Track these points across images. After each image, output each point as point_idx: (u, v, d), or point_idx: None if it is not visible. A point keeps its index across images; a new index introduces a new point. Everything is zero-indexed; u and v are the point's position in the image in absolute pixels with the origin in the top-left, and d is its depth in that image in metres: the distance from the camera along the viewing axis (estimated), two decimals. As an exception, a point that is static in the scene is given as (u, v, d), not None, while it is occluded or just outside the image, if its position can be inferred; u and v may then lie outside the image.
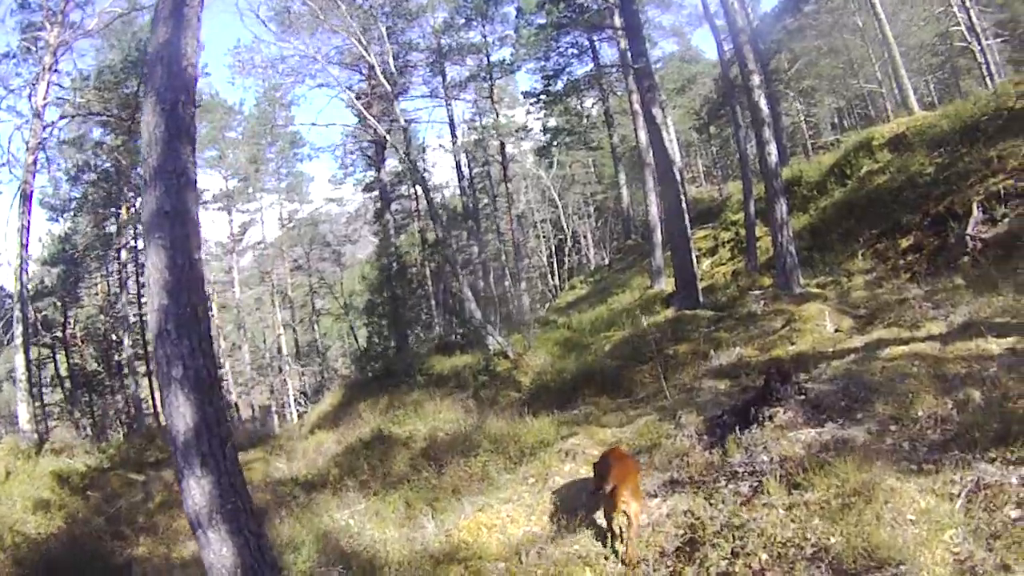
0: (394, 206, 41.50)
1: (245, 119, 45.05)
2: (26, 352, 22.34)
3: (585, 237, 54.98)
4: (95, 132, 33.44)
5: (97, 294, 39.77)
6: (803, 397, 9.76)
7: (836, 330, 14.00)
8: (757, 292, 19.12)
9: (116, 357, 39.46)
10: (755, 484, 8.16)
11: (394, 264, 27.06)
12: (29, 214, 22.69)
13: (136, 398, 38.88)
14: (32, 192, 23.18)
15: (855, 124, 45.97)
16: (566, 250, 52.47)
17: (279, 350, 43.66)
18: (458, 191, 40.60)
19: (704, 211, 36.36)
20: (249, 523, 6.84)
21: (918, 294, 14.31)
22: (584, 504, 9.17)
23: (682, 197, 20.90)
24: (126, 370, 38.96)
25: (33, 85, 23.35)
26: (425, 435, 15.50)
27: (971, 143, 19.63)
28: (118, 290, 39.50)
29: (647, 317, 19.61)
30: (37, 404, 37.26)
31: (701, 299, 19.85)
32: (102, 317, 38.67)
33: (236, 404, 44.54)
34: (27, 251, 22.96)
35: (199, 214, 7.55)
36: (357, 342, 37.15)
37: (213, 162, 44.31)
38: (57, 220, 36.23)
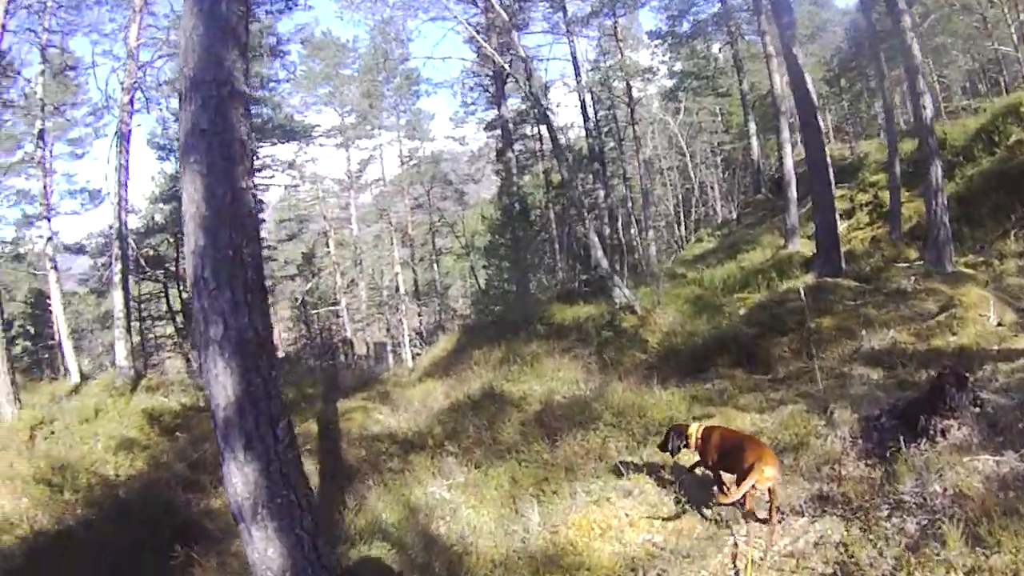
0: (517, 146, 40.83)
1: (360, 56, 44.20)
2: (125, 289, 22.17)
3: (712, 188, 52.67)
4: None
5: None
6: (978, 409, 8.50)
7: (999, 324, 12.67)
8: (903, 265, 17.91)
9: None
10: (926, 524, 6.99)
11: (516, 205, 25.84)
12: (127, 154, 22.41)
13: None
14: (130, 132, 22.73)
15: (988, 90, 42.73)
16: (693, 201, 50.48)
17: (397, 288, 42.97)
18: (583, 132, 38.60)
19: (838, 170, 33.20)
20: (304, 520, 5.98)
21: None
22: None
23: (826, 149, 19.29)
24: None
25: (126, 28, 23.00)
26: (541, 397, 14.76)
27: None
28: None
29: (784, 281, 18.31)
30: (142, 339, 38.28)
31: (843, 266, 18.36)
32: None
33: (351, 341, 44.66)
34: (126, 190, 22.59)
35: (249, 134, 6.42)
36: (478, 283, 36.27)
37: (327, 99, 43.65)
38: (167, 159, 35.89)
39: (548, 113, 22.88)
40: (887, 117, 23.28)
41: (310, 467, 12.65)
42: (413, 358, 33.96)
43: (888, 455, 8.35)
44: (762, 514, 8.04)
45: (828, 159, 18.84)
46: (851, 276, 17.62)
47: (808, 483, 8.58)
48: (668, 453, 9.25)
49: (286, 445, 5.96)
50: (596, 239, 21.25)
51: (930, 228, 16.77)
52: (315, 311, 47.97)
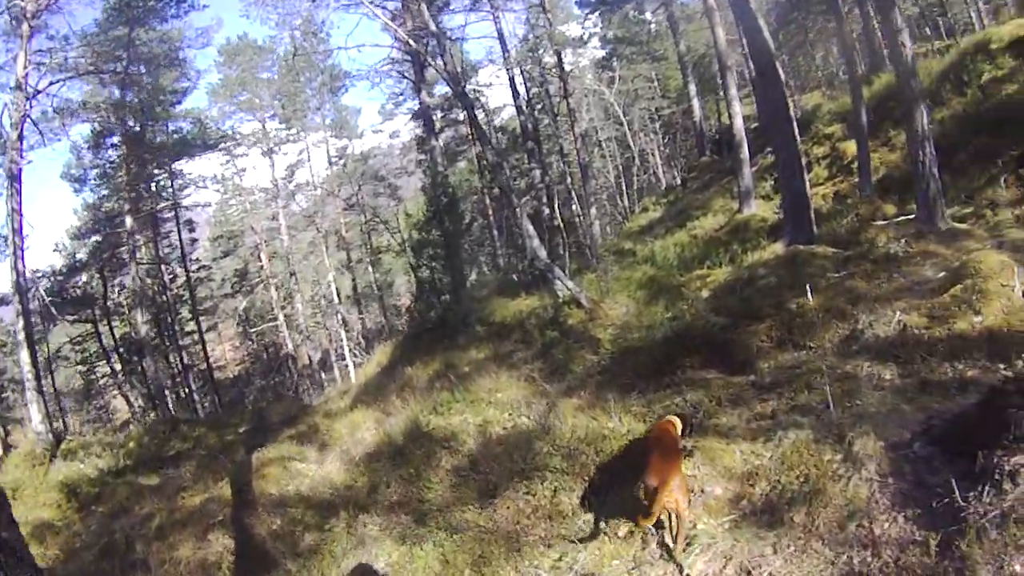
0: (449, 132, 40.10)
1: (278, 58, 41.44)
2: (30, 347, 19.55)
3: (652, 155, 50.62)
4: (98, 93, 30.69)
5: (142, 258, 36.59)
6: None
7: (1024, 293, 9.92)
8: (882, 223, 15.19)
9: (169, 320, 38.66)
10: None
11: (443, 196, 23.04)
12: (20, 195, 20.09)
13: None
14: (20, 171, 20.21)
15: (931, 35, 40.94)
16: (634, 170, 48.18)
17: (333, 297, 40.38)
18: (515, 110, 35.91)
19: None
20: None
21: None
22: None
23: (788, 100, 16.45)
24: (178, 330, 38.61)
25: (14, 58, 20.61)
26: (476, 430, 12.18)
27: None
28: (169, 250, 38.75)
29: (749, 253, 15.68)
30: (85, 382, 35.58)
31: (815, 231, 15.54)
32: (148, 281, 36.43)
33: (293, 356, 42.06)
34: (22, 237, 20.18)
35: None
36: (415, 285, 33.81)
37: (247, 105, 41.12)
38: (81, 191, 34.31)
39: (467, 91, 19.89)
40: (847, 60, 20.83)
41: (219, 548, 11.42)
42: (355, 368, 31.84)
43: (936, 505, 5.80)
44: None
45: (791, 111, 16.01)
46: (826, 242, 14.86)
47: (831, 551, 6.06)
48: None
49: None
50: (530, 227, 18.26)
51: (917, 182, 14.16)
52: (254, 328, 45.49)
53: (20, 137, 20.13)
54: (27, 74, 20.21)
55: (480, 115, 44.10)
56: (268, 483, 13.57)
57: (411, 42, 21.66)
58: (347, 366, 36.37)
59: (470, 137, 37.78)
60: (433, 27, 20.58)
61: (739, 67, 23.42)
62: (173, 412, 31.68)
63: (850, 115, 21.39)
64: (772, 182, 24.33)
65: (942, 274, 11.28)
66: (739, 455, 8.13)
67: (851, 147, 21.96)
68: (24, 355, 19.20)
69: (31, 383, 19.10)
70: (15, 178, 19.83)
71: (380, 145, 46.56)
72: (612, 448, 9.52)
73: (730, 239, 19.61)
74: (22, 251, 20.22)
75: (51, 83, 21.74)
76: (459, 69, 36.01)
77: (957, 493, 5.65)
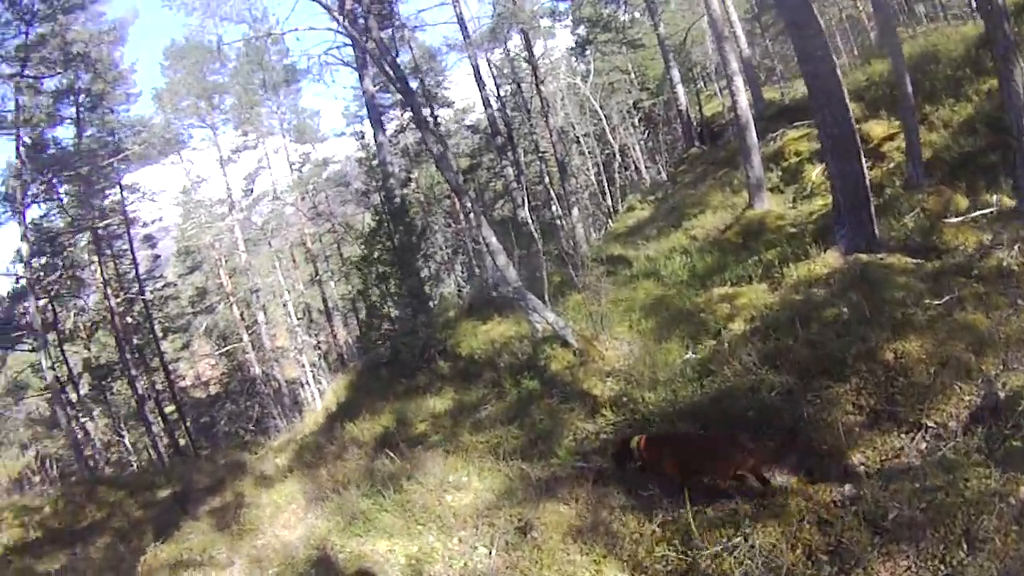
0: (413, 133, 35.55)
1: (231, 59, 36.90)
2: None
3: (634, 150, 45.39)
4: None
5: (99, 276, 32.61)
6: None
7: None
8: (955, 219, 10.83)
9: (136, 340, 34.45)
10: None
11: (388, 204, 18.46)
12: None
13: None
14: None
15: (927, 12, 36.53)
16: (615, 166, 43.42)
17: (291, 316, 36.09)
18: (480, 105, 31.49)
19: (784, 109, 26.79)
20: None
21: None
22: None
23: (836, 63, 11.76)
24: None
25: None
26: (403, 571, 7.88)
27: None
28: (129, 264, 34.44)
29: (791, 264, 11.11)
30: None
31: (876, 233, 11.00)
32: (112, 302, 32.13)
33: (256, 379, 37.71)
34: None
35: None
36: (366, 302, 29.33)
37: (194, 111, 36.32)
38: (14, 216, 28.69)
39: (401, 71, 15.05)
40: (880, 20, 16.27)
41: None
42: (319, 396, 27.55)
43: None
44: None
45: (838, 71, 11.33)
46: (896, 249, 10.50)
47: None
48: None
49: None
50: (493, 239, 13.20)
51: (1019, 162, 9.88)
52: (221, 350, 41.22)
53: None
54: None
55: (447, 112, 40.06)
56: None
57: (346, 24, 17.04)
58: (311, 394, 32.14)
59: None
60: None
61: (739, 40, 19.14)
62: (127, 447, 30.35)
63: (868, 90, 18.34)
64: (780, 172, 19.81)
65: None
66: None
67: (875, 128, 17.51)
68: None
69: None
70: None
71: (345, 151, 41.79)
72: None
73: (747, 242, 15.19)
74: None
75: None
76: (413, 59, 31.55)
77: None
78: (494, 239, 12.83)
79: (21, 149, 26.15)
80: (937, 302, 8.19)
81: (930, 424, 6.62)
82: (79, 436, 32.08)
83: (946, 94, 16.08)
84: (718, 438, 7.62)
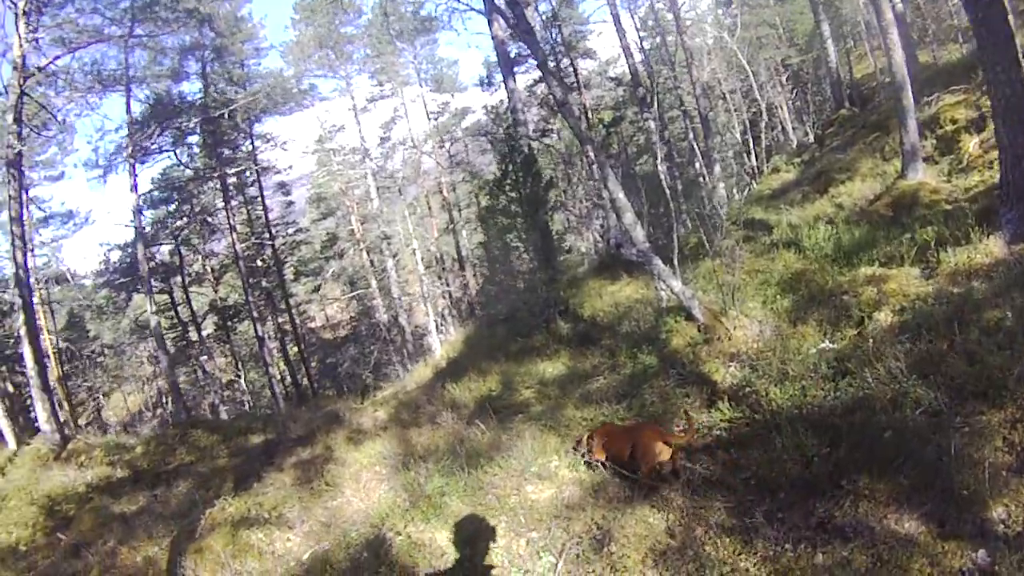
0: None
1: (366, 11, 38.25)
2: (33, 344, 17.28)
3: (781, 109, 43.61)
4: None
5: (230, 220, 33.49)
6: None
7: None
8: None
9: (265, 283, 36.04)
10: None
11: (516, 152, 17.57)
12: (18, 181, 17.74)
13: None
14: (21, 155, 18.09)
15: None
16: (762, 125, 41.38)
17: (418, 264, 35.88)
18: (621, 54, 30.13)
19: (940, 72, 25.25)
20: None
21: None
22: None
23: (1011, 18, 10.30)
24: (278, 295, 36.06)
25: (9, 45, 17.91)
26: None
27: None
28: (261, 211, 35.72)
29: (948, 248, 9.80)
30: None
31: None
32: (235, 246, 32.94)
33: (384, 326, 37.83)
34: (23, 225, 18.25)
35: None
36: (488, 255, 28.57)
37: (324, 62, 36.61)
38: (145, 162, 30.79)
39: (516, 9, 14.06)
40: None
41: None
42: (441, 345, 27.13)
43: None
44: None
45: (1011, 22, 9.87)
46: None
47: None
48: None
49: None
50: (621, 196, 11.88)
51: None
52: (348, 295, 41.62)
53: (17, 120, 17.56)
54: (25, 53, 17.52)
55: (590, 64, 39.01)
56: (203, 562, 9.06)
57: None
58: (435, 343, 31.91)
59: (573, 84, 32.07)
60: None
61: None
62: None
63: None
64: (934, 141, 18.07)
65: None
66: None
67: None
68: (27, 351, 17.09)
69: (35, 380, 17.06)
70: (14, 165, 17.48)
71: (484, 101, 41.13)
72: None
73: (898, 216, 13.85)
74: (23, 242, 18.24)
75: (58, 56, 18.99)
76: (552, 6, 30.63)
77: None
78: (621, 194, 11.80)
79: (131, 104, 26.89)
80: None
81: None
82: (199, 375, 33.08)
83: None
84: (641, 433, 7.62)
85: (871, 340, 8.18)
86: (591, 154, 13.39)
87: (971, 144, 16.55)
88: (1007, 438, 5.95)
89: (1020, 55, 9.54)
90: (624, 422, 9.00)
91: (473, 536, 7.28)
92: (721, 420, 8.34)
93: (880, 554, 5.36)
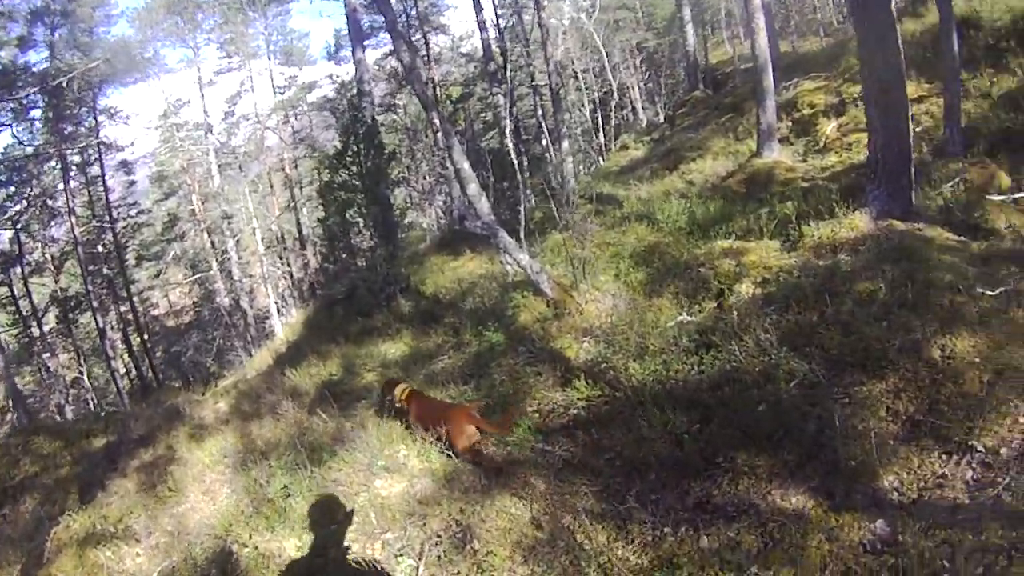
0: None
1: None
2: None
3: (632, 90, 44.46)
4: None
5: (70, 203, 31.44)
6: None
7: None
8: (999, 198, 9.47)
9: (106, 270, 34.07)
10: None
11: (360, 126, 16.81)
12: None
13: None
14: None
15: None
16: (612, 104, 42.68)
17: (258, 244, 35.23)
18: (476, 31, 29.97)
19: (799, 60, 26.64)
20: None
21: None
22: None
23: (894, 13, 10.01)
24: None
25: None
26: None
27: None
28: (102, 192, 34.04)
29: (813, 222, 9.53)
30: None
31: (914, 201, 9.39)
32: (74, 231, 31.05)
33: (223, 310, 36.41)
34: None
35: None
36: (326, 232, 27.90)
37: (174, 31, 35.30)
38: None
39: None
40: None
41: None
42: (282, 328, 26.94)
43: None
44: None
45: (893, 9, 9.54)
46: (935, 221, 9.04)
47: None
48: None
49: None
50: (465, 166, 11.07)
51: None
52: (189, 278, 40.01)
53: None
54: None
55: (443, 40, 38.52)
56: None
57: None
58: (276, 326, 31.24)
59: (424, 57, 31.96)
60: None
61: None
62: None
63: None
64: (790, 124, 18.69)
65: None
66: None
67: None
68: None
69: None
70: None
71: (334, 75, 40.16)
72: None
73: (753, 192, 13.90)
74: None
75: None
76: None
77: None
78: (466, 164, 11.08)
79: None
80: (990, 292, 6.65)
81: (979, 448, 5.13)
82: (43, 374, 30.89)
83: (986, 63, 14.99)
84: (453, 413, 7.52)
85: (735, 312, 7.85)
86: (436, 122, 12.57)
87: (829, 127, 17.18)
88: (891, 408, 5.81)
89: (899, 39, 9.23)
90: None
91: (323, 542, 6.59)
92: (578, 398, 7.85)
93: (771, 532, 5.03)
